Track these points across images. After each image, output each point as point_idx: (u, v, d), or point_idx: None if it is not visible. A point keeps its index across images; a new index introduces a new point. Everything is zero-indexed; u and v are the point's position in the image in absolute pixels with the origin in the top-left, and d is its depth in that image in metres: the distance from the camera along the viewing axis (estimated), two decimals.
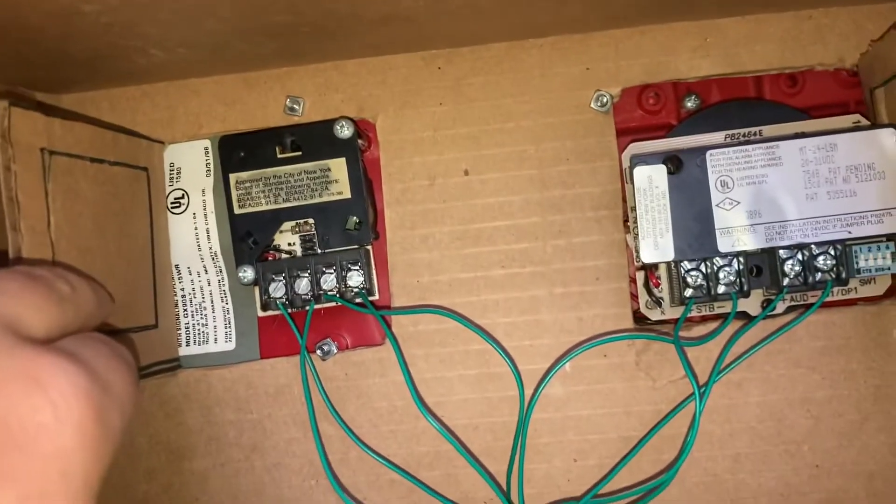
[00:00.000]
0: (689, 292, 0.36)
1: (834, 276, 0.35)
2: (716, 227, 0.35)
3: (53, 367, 0.21)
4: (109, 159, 0.35)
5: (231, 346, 0.41)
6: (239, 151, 0.39)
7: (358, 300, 0.38)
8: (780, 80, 0.39)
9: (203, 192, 0.41)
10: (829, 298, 0.37)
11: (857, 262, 0.35)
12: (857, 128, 0.36)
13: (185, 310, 0.41)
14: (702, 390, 0.36)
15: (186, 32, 0.34)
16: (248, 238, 0.39)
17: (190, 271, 0.41)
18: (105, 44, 0.34)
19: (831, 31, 0.38)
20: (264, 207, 0.39)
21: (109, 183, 0.35)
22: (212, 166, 0.41)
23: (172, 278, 0.41)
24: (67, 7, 0.29)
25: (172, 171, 0.41)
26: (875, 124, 0.37)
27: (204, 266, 0.41)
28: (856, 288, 0.37)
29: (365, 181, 0.39)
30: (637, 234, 0.36)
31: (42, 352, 0.21)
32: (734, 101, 0.39)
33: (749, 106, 0.38)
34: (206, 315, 0.41)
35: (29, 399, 0.20)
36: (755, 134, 0.37)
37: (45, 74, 0.38)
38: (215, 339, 0.41)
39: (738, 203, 0.35)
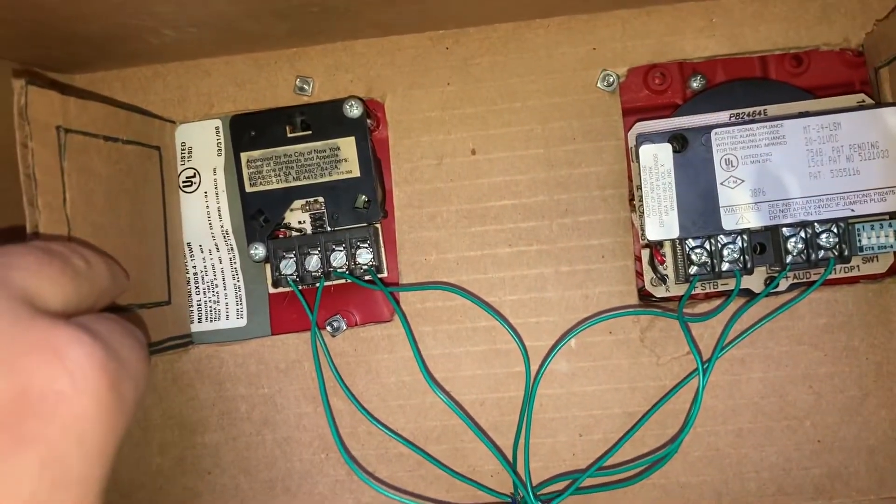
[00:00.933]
0: (693, 269, 0.37)
1: (837, 253, 0.36)
2: (720, 204, 0.36)
3: (70, 338, 0.21)
4: (122, 138, 0.36)
5: (242, 322, 0.41)
6: (250, 131, 0.39)
7: (367, 277, 0.39)
8: (786, 60, 0.39)
9: (214, 170, 0.41)
10: (832, 276, 0.37)
11: (859, 240, 0.36)
12: (860, 107, 0.37)
13: (198, 287, 0.42)
14: (705, 366, 0.37)
15: (197, 12, 0.34)
16: (259, 216, 0.39)
17: (202, 249, 0.42)
18: (117, 24, 0.35)
19: (837, 11, 0.39)
20: (275, 186, 0.39)
21: (123, 161, 0.36)
22: (223, 145, 0.41)
23: (185, 256, 0.42)
24: None
25: (184, 150, 0.42)
26: (879, 103, 0.37)
27: (216, 244, 0.41)
28: (858, 266, 0.38)
29: (374, 160, 0.39)
30: (642, 213, 0.37)
31: (59, 324, 0.22)
32: (739, 81, 0.39)
33: (754, 86, 0.39)
34: (217, 292, 0.41)
35: (48, 368, 0.20)
36: (760, 113, 0.38)
37: (58, 54, 0.39)
38: (227, 316, 0.41)
39: (743, 181, 0.36)
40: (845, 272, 0.38)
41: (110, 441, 0.22)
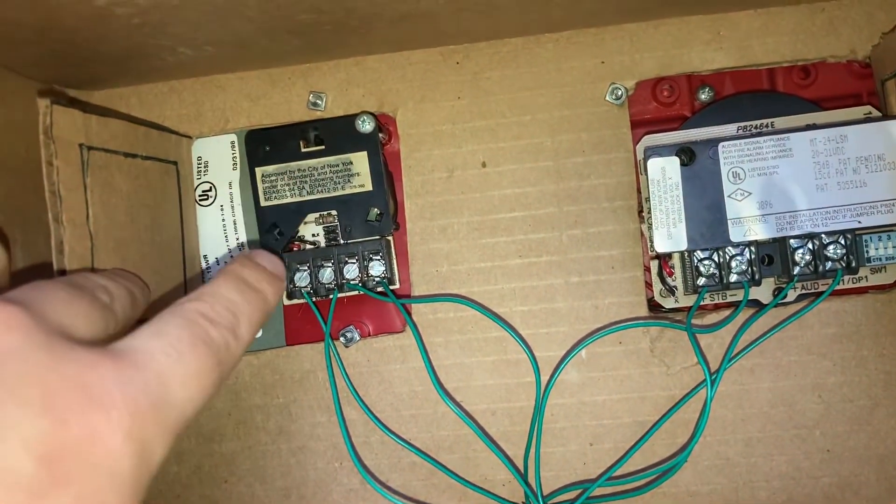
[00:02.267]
0: (701, 281, 0.37)
1: (844, 264, 0.36)
2: (728, 217, 0.36)
3: (107, 375, 0.21)
4: (142, 154, 0.37)
5: (258, 333, 0.42)
6: (264, 146, 0.40)
7: (379, 289, 0.39)
8: (794, 72, 0.39)
9: (230, 185, 0.42)
10: (841, 286, 0.38)
11: (867, 251, 0.36)
12: (867, 119, 0.37)
13: None
14: (713, 377, 0.37)
15: (214, 31, 0.35)
16: (273, 229, 0.40)
17: (218, 262, 0.42)
18: (135, 43, 0.36)
19: (844, 23, 0.39)
20: (289, 200, 0.40)
21: (142, 177, 0.37)
22: (238, 160, 0.42)
23: (201, 268, 0.42)
24: (101, 10, 0.31)
25: (200, 164, 0.42)
26: (885, 115, 0.37)
27: (231, 256, 0.42)
28: (866, 276, 0.38)
29: (385, 174, 0.40)
30: (651, 225, 0.37)
31: (97, 359, 0.21)
32: (747, 94, 0.39)
33: (762, 98, 0.39)
34: None
35: (84, 405, 0.20)
36: (767, 126, 0.38)
37: (77, 72, 0.40)
38: None
39: (750, 194, 0.36)
40: (853, 283, 0.38)
41: (144, 475, 0.21)
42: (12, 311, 0.21)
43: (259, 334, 0.42)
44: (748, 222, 0.36)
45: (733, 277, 0.37)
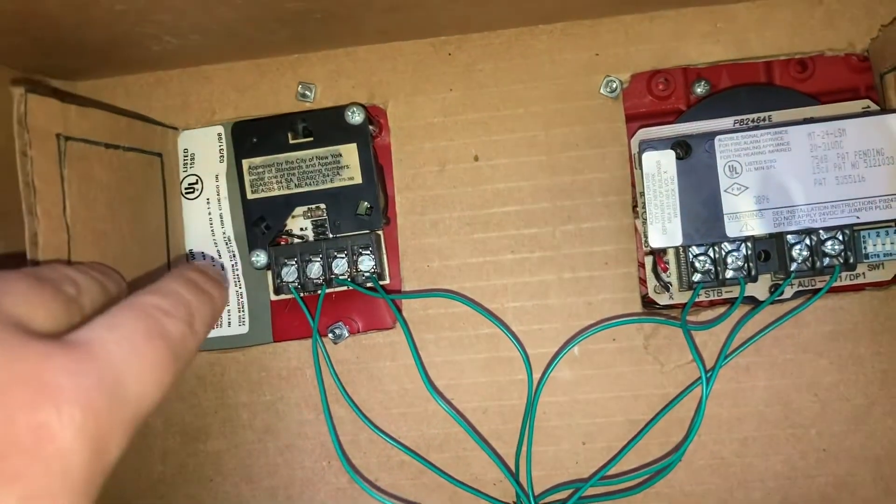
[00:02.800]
0: (697, 277, 0.36)
1: (842, 261, 0.35)
2: (724, 212, 0.36)
3: (59, 368, 0.20)
4: (124, 145, 0.36)
5: (244, 329, 0.41)
6: (252, 137, 0.39)
7: (369, 284, 0.39)
8: (791, 66, 0.39)
9: (216, 177, 0.41)
10: (838, 283, 0.37)
11: (865, 248, 0.36)
12: (866, 113, 0.36)
13: None
14: (708, 375, 0.36)
15: (199, 19, 0.34)
16: (260, 223, 0.39)
17: (204, 255, 0.41)
18: (120, 31, 0.35)
19: (842, 17, 0.38)
20: (277, 193, 0.39)
21: (124, 168, 0.36)
22: (225, 152, 0.41)
23: (186, 262, 0.41)
24: None
25: (186, 156, 0.42)
26: (884, 109, 0.37)
27: (217, 251, 0.41)
28: (864, 273, 0.37)
29: (376, 167, 0.39)
30: (645, 220, 0.37)
31: (52, 351, 0.21)
32: (744, 87, 0.39)
33: (759, 91, 0.38)
34: None
35: (34, 400, 0.20)
36: (764, 119, 0.38)
37: (61, 62, 0.39)
38: (229, 323, 0.41)
39: (747, 188, 0.35)
40: (851, 279, 0.38)
41: (98, 472, 0.21)
42: None
43: (245, 330, 0.41)
44: (745, 217, 0.35)
45: (729, 273, 0.36)
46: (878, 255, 0.36)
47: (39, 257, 0.29)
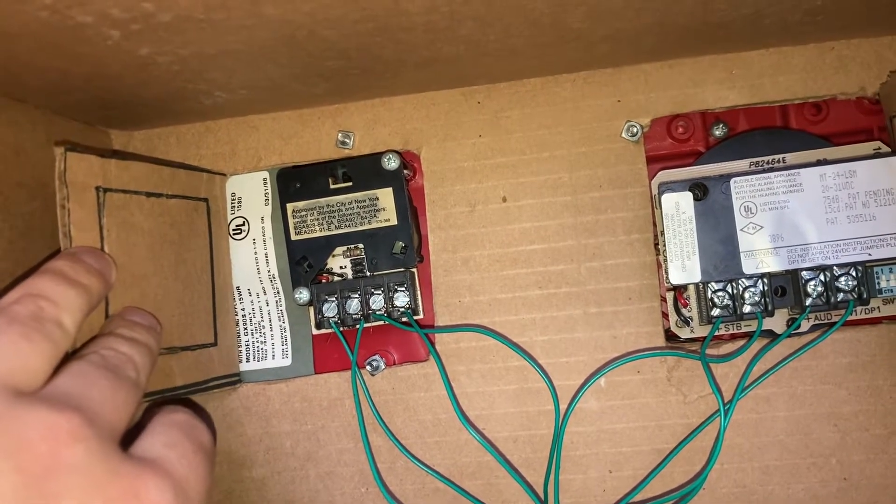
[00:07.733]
0: (716, 312, 0.38)
1: (856, 295, 0.37)
2: (740, 249, 0.37)
3: (150, 484, 0.24)
4: (167, 193, 0.39)
5: (287, 361, 0.44)
6: (295, 182, 0.42)
7: (404, 319, 0.41)
8: (806, 108, 0.40)
9: (262, 219, 0.44)
10: (854, 317, 0.39)
11: (878, 283, 0.37)
12: (876, 154, 0.38)
13: (245, 328, 0.44)
14: (726, 406, 0.38)
15: (248, 77, 0.37)
16: (303, 262, 0.42)
17: (250, 293, 0.44)
18: (175, 88, 0.38)
19: (853, 62, 0.40)
20: (318, 234, 0.42)
21: (166, 214, 0.39)
22: (270, 196, 0.44)
23: (233, 299, 0.44)
24: (144, 58, 0.33)
25: (234, 200, 0.45)
26: (894, 151, 0.38)
27: (263, 288, 0.44)
28: (879, 307, 0.39)
29: (410, 209, 0.42)
30: (666, 257, 0.38)
31: (141, 470, 0.25)
32: (759, 130, 0.41)
33: (774, 134, 0.40)
34: (264, 333, 0.44)
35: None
36: (779, 161, 0.39)
37: (120, 114, 0.42)
38: (273, 356, 0.44)
39: (762, 227, 0.37)
40: (866, 313, 0.39)
41: None
42: (74, 421, 0.23)
43: (289, 362, 0.44)
44: (761, 255, 0.37)
45: (747, 308, 0.38)
46: (892, 290, 0.37)
47: None
